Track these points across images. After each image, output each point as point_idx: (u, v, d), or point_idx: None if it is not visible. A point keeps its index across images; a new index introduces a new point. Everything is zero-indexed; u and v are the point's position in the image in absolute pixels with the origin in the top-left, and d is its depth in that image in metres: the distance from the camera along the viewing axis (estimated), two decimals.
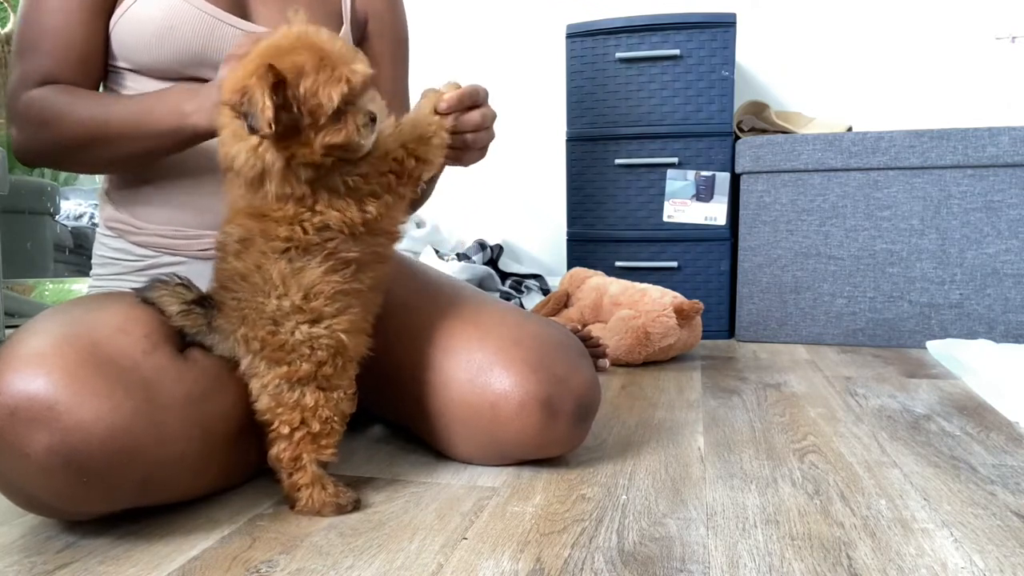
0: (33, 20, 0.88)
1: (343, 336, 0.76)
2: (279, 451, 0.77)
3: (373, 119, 0.73)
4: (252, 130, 0.67)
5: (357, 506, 0.80)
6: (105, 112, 0.83)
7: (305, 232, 0.73)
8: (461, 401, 0.87)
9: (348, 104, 0.70)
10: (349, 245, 0.75)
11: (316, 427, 0.76)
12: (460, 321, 0.92)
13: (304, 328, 0.75)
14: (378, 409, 1.02)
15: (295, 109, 0.68)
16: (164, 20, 0.86)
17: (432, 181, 1.07)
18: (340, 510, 0.79)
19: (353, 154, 0.73)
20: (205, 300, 0.77)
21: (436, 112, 0.80)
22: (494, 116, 0.86)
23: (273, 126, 0.66)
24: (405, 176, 0.79)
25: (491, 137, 0.87)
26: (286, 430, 0.76)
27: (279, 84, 0.66)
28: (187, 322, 0.76)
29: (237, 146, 0.72)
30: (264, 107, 0.65)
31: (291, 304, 0.74)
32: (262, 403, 0.76)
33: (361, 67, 0.71)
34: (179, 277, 0.77)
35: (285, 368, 0.75)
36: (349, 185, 0.74)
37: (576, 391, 0.87)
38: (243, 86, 0.66)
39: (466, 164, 0.88)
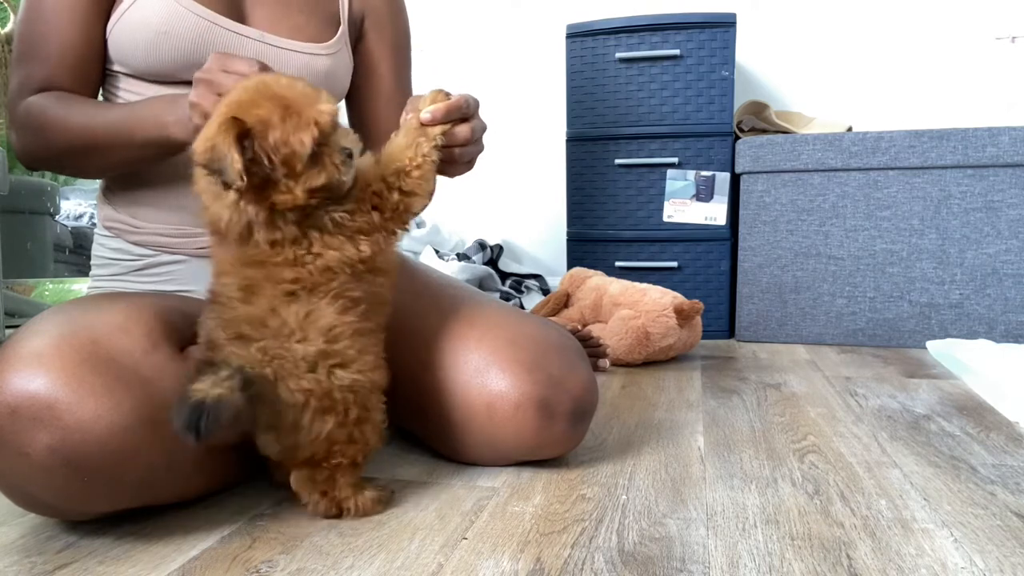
0: (31, 27, 0.88)
1: (374, 375, 0.75)
2: (312, 473, 0.75)
3: (350, 155, 0.71)
4: (226, 185, 0.66)
5: (392, 494, 0.82)
6: (92, 122, 0.84)
7: (311, 273, 0.71)
8: (458, 402, 0.87)
9: (321, 145, 0.69)
10: (353, 285, 0.73)
11: (361, 458, 0.77)
12: (457, 322, 0.92)
13: (340, 373, 0.72)
14: None
15: (266, 161, 0.67)
16: (160, 24, 0.86)
17: None
18: (387, 503, 0.80)
19: (336, 192, 0.71)
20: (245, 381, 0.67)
21: (421, 123, 0.78)
22: (483, 128, 0.84)
23: (245, 178, 0.65)
24: (388, 211, 0.76)
25: (479, 150, 0.85)
26: (345, 462, 0.75)
27: (245, 135, 0.66)
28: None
29: (217, 206, 0.70)
30: (233, 160, 0.64)
31: (316, 350, 0.71)
32: (316, 448, 0.73)
33: (326, 107, 0.69)
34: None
35: (335, 416, 0.72)
36: (336, 221, 0.72)
37: (573, 392, 0.87)
38: (211, 144, 0.65)
39: (451, 176, 0.87)
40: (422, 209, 0.79)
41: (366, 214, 0.75)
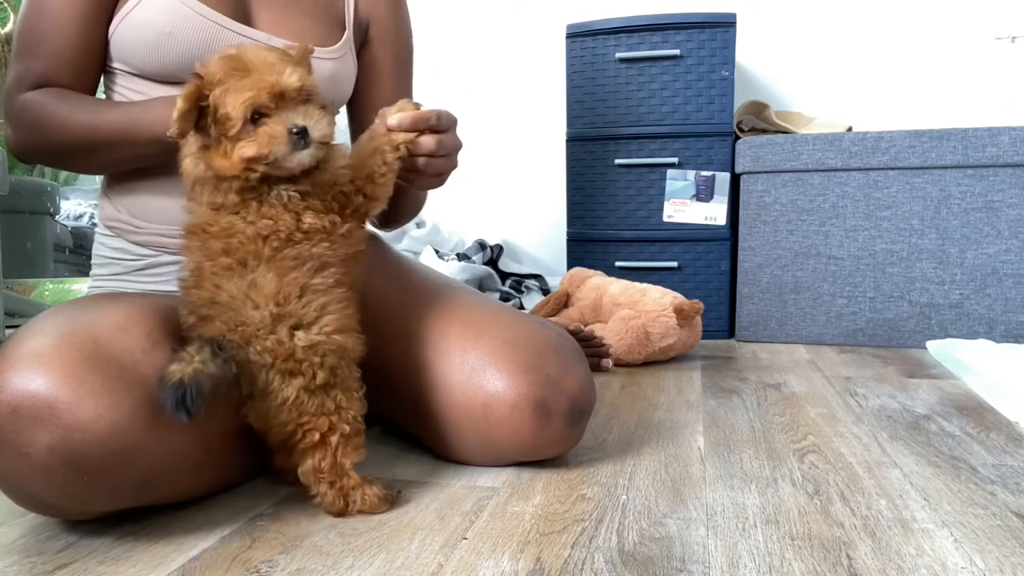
0: (32, 23, 0.88)
1: (338, 338, 0.75)
2: (316, 462, 0.75)
3: (302, 134, 0.70)
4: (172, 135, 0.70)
5: (399, 494, 0.82)
6: (96, 120, 0.85)
7: (240, 243, 0.72)
8: (455, 403, 0.87)
9: (263, 116, 0.69)
10: (291, 249, 0.73)
11: (347, 428, 0.76)
12: (454, 322, 0.92)
13: (301, 334, 0.73)
14: (376, 409, 1.02)
15: (209, 119, 0.70)
16: (165, 25, 0.86)
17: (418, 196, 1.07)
18: (392, 503, 0.80)
19: (278, 170, 0.71)
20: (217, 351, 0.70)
21: (388, 128, 0.79)
22: (456, 146, 0.85)
23: (180, 130, 0.68)
24: (351, 209, 0.77)
25: (450, 166, 0.86)
26: (317, 437, 0.74)
27: (202, 91, 0.69)
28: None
29: (184, 150, 0.74)
30: (178, 107, 0.68)
31: (271, 314, 0.72)
32: (284, 417, 0.74)
33: (274, 78, 0.69)
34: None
35: (301, 379, 0.73)
36: (283, 199, 0.73)
37: (569, 392, 0.87)
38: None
39: (418, 188, 0.88)
40: (377, 212, 0.81)
41: (326, 203, 0.76)
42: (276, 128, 0.70)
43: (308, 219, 0.74)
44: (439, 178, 0.87)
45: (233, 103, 0.68)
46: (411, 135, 0.80)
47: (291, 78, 0.70)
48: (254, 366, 0.72)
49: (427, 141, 0.81)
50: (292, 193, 0.73)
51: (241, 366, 0.71)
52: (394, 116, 0.79)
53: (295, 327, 0.73)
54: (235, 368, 0.69)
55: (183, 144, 0.74)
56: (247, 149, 0.69)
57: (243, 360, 0.71)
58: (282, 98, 0.70)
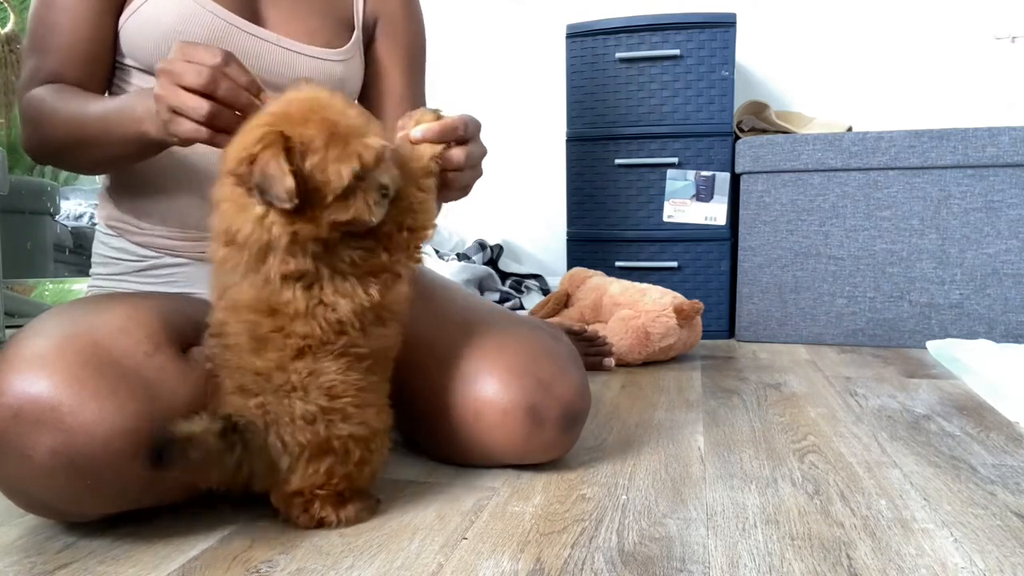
0: (42, 19, 0.87)
1: (374, 424, 0.74)
2: (289, 498, 0.73)
3: (385, 193, 0.67)
4: (267, 203, 0.63)
5: (378, 503, 0.80)
6: (82, 115, 0.81)
7: (322, 329, 0.68)
8: (447, 408, 0.87)
9: (359, 179, 0.65)
10: (362, 341, 0.71)
11: (348, 494, 0.75)
12: (447, 326, 0.91)
13: (340, 425, 0.71)
14: None
15: (299, 184, 0.63)
16: (174, 22, 0.85)
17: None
18: (373, 508, 0.78)
19: (361, 228, 0.68)
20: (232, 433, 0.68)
21: (411, 141, 0.74)
22: (482, 153, 0.80)
23: (294, 200, 0.61)
24: (397, 251, 0.72)
25: (476, 176, 0.81)
26: (327, 492, 0.73)
27: (287, 152, 0.62)
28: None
29: (240, 218, 0.65)
30: (286, 179, 0.61)
31: (317, 407, 0.69)
32: (306, 483, 0.72)
33: (374, 141, 0.65)
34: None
35: (331, 458, 0.71)
36: (355, 261, 0.69)
37: (562, 398, 0.86)
38: (251, 155, 0.62)
39: (444, 201, 0.84)
40: (429, 238, 0.76)
41: (377, 256, 0.71)
42: (371, 194, 0.66)
43: (373, 289, 0.70)
44: (465, 190, 0.81)
45: (338, 172, 0.63)
46: (438, 148, 0.75)
47: (379, 141, 0.66)
48: (276, 452, 0.70)
49: (456, 155, 0.76)
50: (361, 252, 0.69)
51: (254, 451, 0.69)
52: (417, 129, 0.74)
53: (334, 421, 0.71)
54: (238, 451, 0.67)
55: (229, 211, 0.66)
56: (343, 213, 0.65)
57: (259, 444, 0.69)
58: (376, 162, 0.66)
